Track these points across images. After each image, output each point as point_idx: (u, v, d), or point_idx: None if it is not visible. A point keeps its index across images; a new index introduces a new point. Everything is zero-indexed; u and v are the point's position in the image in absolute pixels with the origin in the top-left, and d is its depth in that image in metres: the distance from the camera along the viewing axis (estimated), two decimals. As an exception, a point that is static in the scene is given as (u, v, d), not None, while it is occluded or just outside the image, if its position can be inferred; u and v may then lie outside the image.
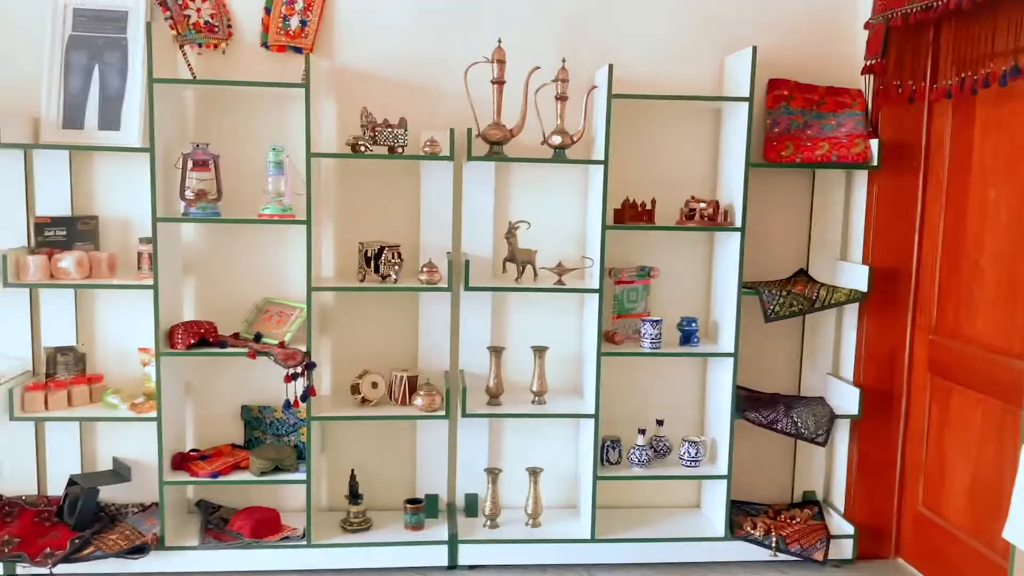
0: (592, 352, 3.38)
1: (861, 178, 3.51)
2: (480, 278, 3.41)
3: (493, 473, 3.50)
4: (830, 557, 3.45)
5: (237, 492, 3.52)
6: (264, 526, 3.36)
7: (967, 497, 3.16)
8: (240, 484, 3.37)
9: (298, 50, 3.41)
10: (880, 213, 3.45)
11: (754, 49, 3.29)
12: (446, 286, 3.32)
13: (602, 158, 3.28)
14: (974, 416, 3.13)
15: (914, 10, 3.16)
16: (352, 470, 3.51)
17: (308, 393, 3.25)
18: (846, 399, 3.51)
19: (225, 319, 3.43)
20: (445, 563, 3.38)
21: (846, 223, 3.61)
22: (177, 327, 3.24)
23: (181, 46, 3.34)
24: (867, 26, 3.49)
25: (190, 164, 3.24)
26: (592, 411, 3.38)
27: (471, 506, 3.61)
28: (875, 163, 3.36)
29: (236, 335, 3.41)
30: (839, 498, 3.66)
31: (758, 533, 3.46)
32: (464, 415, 3.34)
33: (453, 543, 3.37)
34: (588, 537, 3.43)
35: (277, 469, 3.35)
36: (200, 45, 3.35)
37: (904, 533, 3.55)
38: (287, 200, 3.29)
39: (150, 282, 3.17)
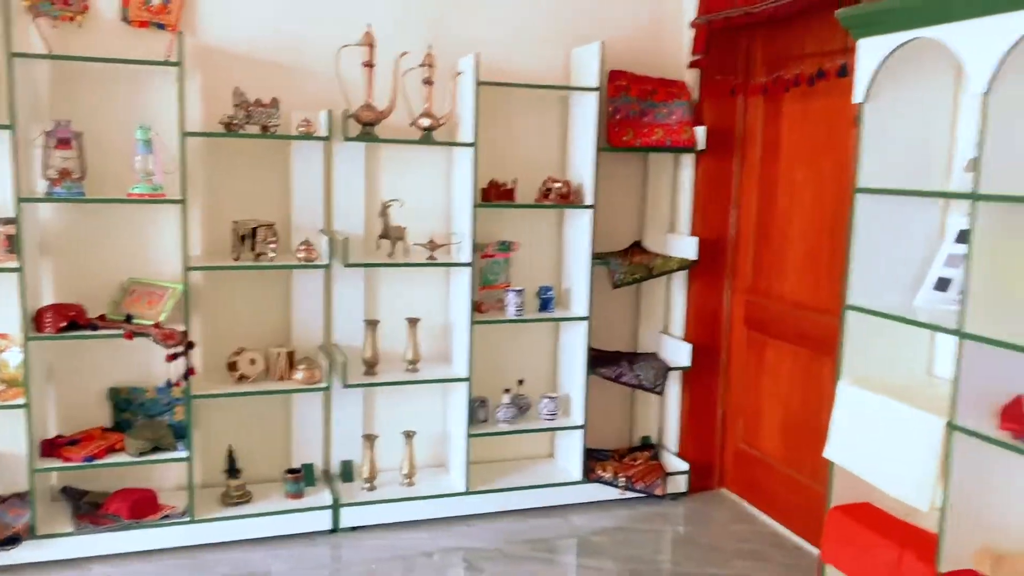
0: (464, 321, 3.65)
1: (688, 160, 4.01)
2: (353, 255, 3.56)
3: (370, 439, 3.69)
4: (668, 491, 3.97)
5: (108, 476, 3.47)
6: (142, 506, 3.36)
7: (780, 432, 3.77)
8: (118, 467, 3.33)
9: (161, 26, 3.36)
10: (704, 191, 3.97)
11: (602, 44, 3.66)
12: (325, 263, 3.45)
13: (471, 141, 3.53)
14: (785, 363, 3.73)
15: (734, 15, 3.65)
16: (230, 446, 3.57)
17: (188, 372, 3.27)
18: (678, 353, 4.02)
19: (87, 302, 3.34)
20: (329, 526, 3.54)
21: (674, 200, 4.11)
22: (45, 310, 3.14)
23: (34, 18, 3.19)
24: (693, 25, 3.96)
25: (52, 142, 3.13)
26: (466, 375, 3.66)
27: (347, 472, 3.78)
28: (702, 147, 3.86)
29: (102, 317, 3.35)
30: (672, 440, 4.19)
31: (608, 475, 3.92)
32: (345, 386, 3.50)
33: (336, 507, 3.54)
34: (463, 490, 3.72)
35: (156, 449, 3.35)
36: (55, 17, 3.22)
37: (727, 466, 4.14)
38: (157, 179, 3.26)
39: (13, 264, 3.05)
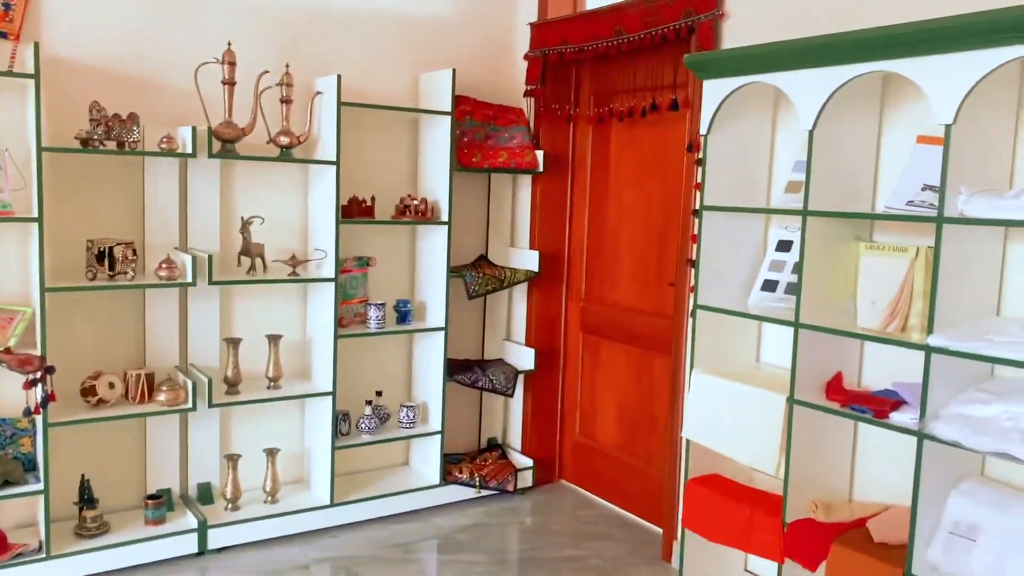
0: (328, 336, 3.73)
1: (526, 180, 4.36)
2: (214, 273, 3.52)
3: (232, 459, 3.66)
4: (518, 487, 4.28)
5: (-58, 519, 3.18)
6: (-9, 547, 3.13)
7: (615, 423, 4.21)
8: (-39, 506, 3.07)
9: (3, 35, 3.18)
10: (542, 209, 4.34)
11: (453, 71, 3.92)
12: (189, 281, 3.40)
13: (333, 159, 3.64)
14: (618, 361, 4.17)
15: (566, 51, 4.06)
16: (83, 475, 3.40)
17: (49, 398, 3.10)
18: (522, 358, 4.35)
19: (-83, 328, 3.07)
20: (195, 550, 3.47)
21: (514, 217, 4.45)
22: None
23: None
24: (526, 57, 4.33)
25: None
26: (330, 389, 3.74)
27: (205, 494, 3.71)
28: (541, 169, 4.23)
29: (-64, 345, 3.08)
30: (516, 439, 4.51)
31: (465, 476, 4.15)
32: (211, 406, 3.46)
33: (203, 529, 3.48)
34: (328, 503, 3.79)
35: (6, 483, 3.13)
36: None
37: (566, 459, 4.53)
38: (6, 196, 3.08)
39: None
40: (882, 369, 2.78)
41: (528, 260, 4.28)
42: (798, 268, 2.71)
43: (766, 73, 2.74)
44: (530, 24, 4.31)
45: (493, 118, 4.29)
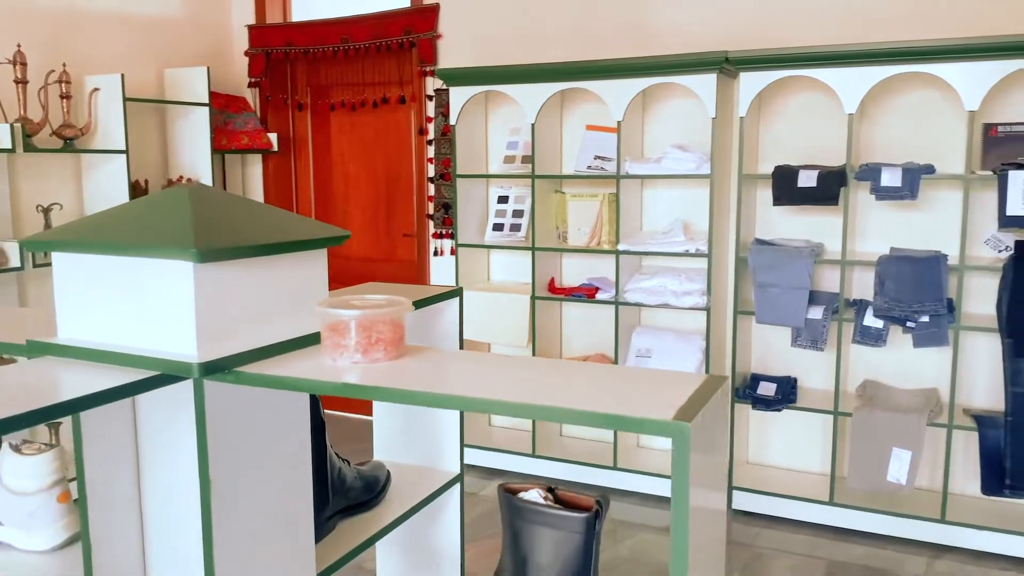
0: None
1: (256, 159, 5.17)
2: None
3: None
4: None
5: None
6: None
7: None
8: None
9: None
10: (274, 183, 5.19)
11: (208, 69, 4.59)
12: (18, 266, 3.70)
13: (123, 148, 4.14)
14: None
15: (291, 51, 4.97)
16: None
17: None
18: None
19: None
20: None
21: (246, 190, 5.22)
22: None
23: None
24: (247, 54, 5.11)
25: None
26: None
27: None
28: (275, 149, 5.09)
29: None
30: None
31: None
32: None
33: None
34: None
35: None
36: None
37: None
38: None
39: None
40: (574, 273, 4.41)
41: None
42: (518, 214, 4.18)
43: (498, 85, 4.12)
44: (248, 26, 5.08)
45: (226, 106, 5.00)
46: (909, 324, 3.42)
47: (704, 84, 3.65)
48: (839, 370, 3.61)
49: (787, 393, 3.75)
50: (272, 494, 1.24)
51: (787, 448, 3.97)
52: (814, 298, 3.62)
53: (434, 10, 4.54)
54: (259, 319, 1.17)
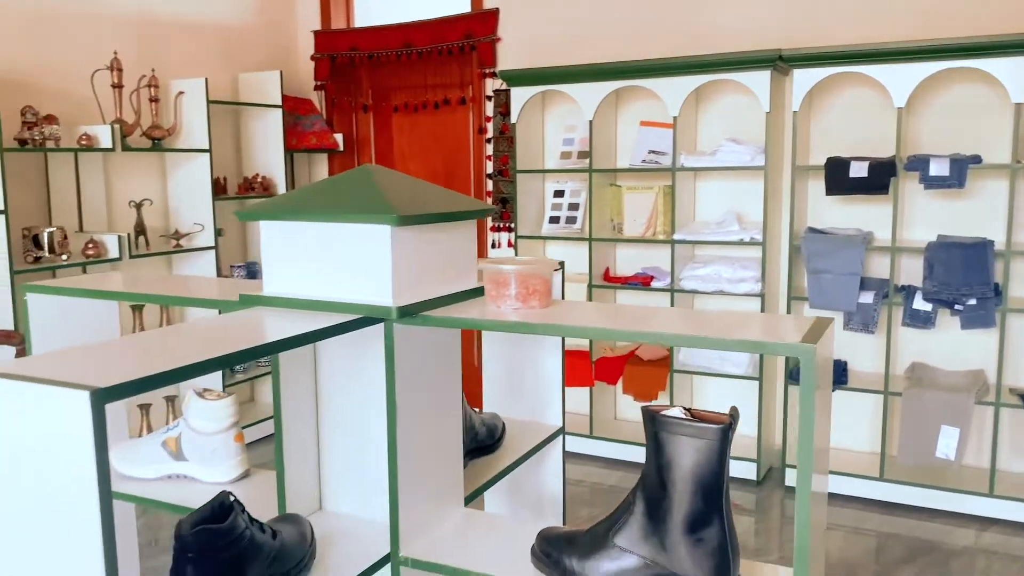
0: (216, 293, 4.53)
1: (322, 158, 5.44)
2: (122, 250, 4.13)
3: (144, 407, 4.30)
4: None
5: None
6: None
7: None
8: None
9: (-76, 44, 3.46)
10: (338, 180, 5.46)
11: (281, 73, 4.86)
12: (116, 257, 3.99)
13: (207, 147, 4.42)
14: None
15: (356, 56, 5.24)
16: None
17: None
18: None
19: None
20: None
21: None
22: None
23: None
24: (313, 58, 5.38)
25: None
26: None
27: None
28: (341, 149, 5.36)
29: (-101, 335, 3.37)
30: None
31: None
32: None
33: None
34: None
35: None
36: None
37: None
38: (-36, 193, 3.45)
39: None
40: (628, 262, 4.61)
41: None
42: (573, 207, 4.41)
43: (557, 84, 4.35)
44: (314, 32, 5.36)
45: (295, 108, 5.28)
46: (957, 307, 3.59)
47: (758, 80, 3.86)
48: (889, 352, 3.79)
49: (839, 375, 3.94)
50: (436, 423, 1.48)
51: (837, 428, 4.16)
52: (865, 284, 3.81)
53: (494, 15, 4.78)
54: (433, 275, 1.41)
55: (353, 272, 1.33)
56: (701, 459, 1.18)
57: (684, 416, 1.19)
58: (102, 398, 0.89)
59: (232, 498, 1.18)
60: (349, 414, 1.48)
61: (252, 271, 4.87)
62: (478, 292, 1.49)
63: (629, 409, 4.65)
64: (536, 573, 1.33)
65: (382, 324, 1.32)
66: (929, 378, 3.83)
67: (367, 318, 1.31)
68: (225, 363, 1.06)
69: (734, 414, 1.19)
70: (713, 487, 1.18)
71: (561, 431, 2.04)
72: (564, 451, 2.06)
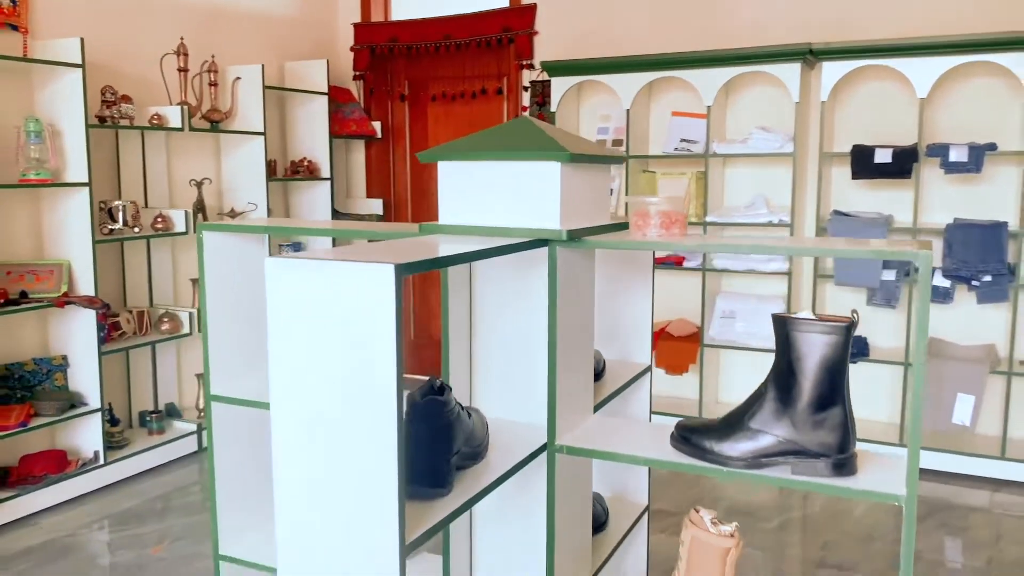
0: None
1: (359, 145, 5.68)
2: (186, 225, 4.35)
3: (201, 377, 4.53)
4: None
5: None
6: (62, 462, 3.73)
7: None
8: (42, 428, 3.63)
9: (14, 28, 3.68)
10: (375, 166, 5.70)
11: (327, 62, 5.10)
12: (183, 231, 4.21)
13: (261, 130, 4.65)
14: (448, 275, 5.77)
15: (395, 47, 5.48)
16: (109, 403, 4.05)
17: (110, 330, 3.78)
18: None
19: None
20: (195, 449, 4.34)
21: (351, 173, 5.72)
22: (-15, 290, 3.34)
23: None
24: (352, 49, 5.62)
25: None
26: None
27: (174, 410, 4.52)
28: (379, 136, 5.60)
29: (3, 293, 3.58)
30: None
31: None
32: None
33: (199, 432, 4.35)
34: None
35: (72, 406, 3.75)
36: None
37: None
38: (51, 165, 3.66)
39: (-44, 249, 3.23)
40: (660, 245, 4.88)
41: (373, 207, 5.63)
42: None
43: (596, 75, 4.61)
44: (354, 24, 5.60)
45: (335, 96, 5.51)
46: (974, 283, 3.88)
47: (789, 72, 4.14)
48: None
49: (860, 349, 4.22)
50: (580, 338, 1.73)
51: (860, 399, 4.43)
52: (887, 262, 4.09)
53: (531, 9, 5.04)
54: (585, 209, 1.66)
55: (525, 202, 1.58)
56: (828, 351, 1.44)
57: (814, 316, 1.45)
58: (401, 272, 1.14)
59: (440, 381, 1.43)
60: (503, 331, 1.72)
61: (298, 248, 5.10)
62: (620, 226, 1.74)
63: (659, 382, 4.91)
64: (677, 454, 1.58)
65: (546, 248, 1.58)
66: (946, 351, 4.12)
67: (536, 240, 1.56)
68: (467, 258, 1.32)
69: (855, 316, 1.45)
70: (838, 373, 1.44)
71: (649, 368, 2.30)
72: (651, 385, 2.31)
